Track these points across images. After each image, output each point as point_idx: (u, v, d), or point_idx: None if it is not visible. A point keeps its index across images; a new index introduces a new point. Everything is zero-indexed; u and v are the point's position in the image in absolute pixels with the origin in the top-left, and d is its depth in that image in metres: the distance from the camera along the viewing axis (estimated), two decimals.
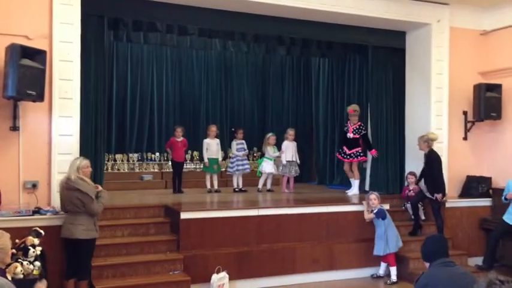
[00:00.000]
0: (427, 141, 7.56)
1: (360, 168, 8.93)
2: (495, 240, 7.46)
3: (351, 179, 8.89)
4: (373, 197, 7.22)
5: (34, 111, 6.04)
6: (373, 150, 8.64)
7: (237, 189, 9.15)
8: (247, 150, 9.48)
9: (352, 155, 8.74)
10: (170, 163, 9.53)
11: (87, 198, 5.44)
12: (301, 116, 12.10)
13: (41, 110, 6.06)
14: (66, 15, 6.19)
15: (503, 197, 7.40)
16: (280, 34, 8.87)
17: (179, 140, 8.95)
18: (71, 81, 6.22)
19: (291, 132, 9.32)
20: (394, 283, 6.98)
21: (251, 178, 9.79)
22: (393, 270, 7.05)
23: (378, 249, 7.09)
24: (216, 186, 9.08)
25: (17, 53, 5.53)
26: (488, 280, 2.39)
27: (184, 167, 10.45)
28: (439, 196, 7.39)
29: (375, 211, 7.15)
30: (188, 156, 10.83)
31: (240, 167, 9.19)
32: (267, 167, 9.13)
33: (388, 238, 7.06)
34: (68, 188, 5.48)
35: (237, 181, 9.23)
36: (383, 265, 7.22)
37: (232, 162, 9.27)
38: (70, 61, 6.22)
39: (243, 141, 9.41)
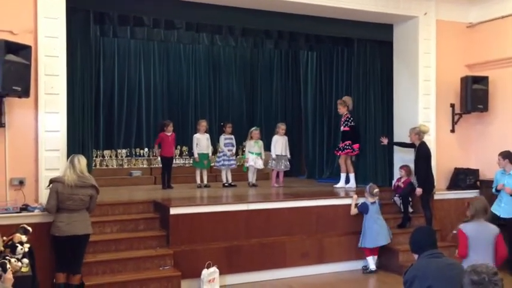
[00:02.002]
0: (418, 133, 7.62)
1: (352, 161, 8.93)
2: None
3: (341, 173, 8.89)
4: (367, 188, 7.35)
5: (20, 107, 5.96)
6: (357, 144, 8.66)
7: (226, 184, 9.13)
8: (234, 147, 9.35)
9: (342, 148, 8.76)
10: (159, 158, 9.41)
11: (97, 194, 5.70)
12: (290, 110, 12.09)
13: (27, 106, 5.98)
14: (51, 9, 6.10)
15: (493, 189, 7.46)
16: (268, 28, 8.86)
17: (169, 134, 8.86)
18: (57, 76, 6.15)
19: (282, 126, 9.31)
20: (371, 272, 7.12)
21: (241, 173, 9.79)
22: (369, 259, 7.18)
23: (362, 242, 7.23)
24: (205, 181, 9.06)
25: (1, 49, 5.44)
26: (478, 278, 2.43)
27: (174, 162, 10.42)
28: (418, 190, 7.46)
29: (358, 205, 7.21)
30: (177, 152, 10.79)
31: (226, 162, 9.15)
32: (249, 160, 9.10)
33: (366, 232, 7.14)
34: (81, 185, 5.51)
35: (226, 176, 9.21)
36: (373, 257, 7.28)
37: (219, 157, 9.24)
38: (56, 56, 6.14)
39: (232, 136, 9.35)
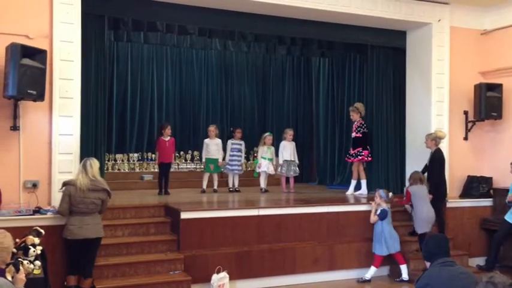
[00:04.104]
0: (434, 139, 7.57)
1: (364, 168, 8.88)
2: (499, 241, 7.41)
3: (352, 180, 8.85)
4: (377, 195, 7.25)
5: (34, 111, 6.04)
6: (366, 151, 8.61)
7: (231, 189, 9.13)
8: (242, 152, 9.32)
9: (354, 154, 8.74)
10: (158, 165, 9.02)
11: (108, 197, 5.76)
12: (302, 116, 12.09)
13: (41, 109, 6.06)
14: (66, 14, 6.18)
15: (507, 200, 7.38)
16: (280, 34, 8.89)
17: (166, 139, 8.69)
18: (72, 80, 6.22)
19: (290, 132, 9.31)
20: (365, 281, 7.01)
21: (251, 178, 9.79)
22: (371, 270, 7.06)
23: (380, 250, 7.06)
24: (215, 186, 9.05)
25: (17, 53, 5.53)
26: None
27: (185, 166, 10.47)
28: (428, 196, 7.34)
29: (377, 212, 7.14)
30: (189, 156, 10.83)
31: (228, 167, 9.17)
32: (262, 165, 9.09)
33: (388, 238, 7.03)
34: (93, 189, 5.57)
35: (233, 181, 9.20)
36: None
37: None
38: (71, 61, 6.22)
39: (241, 142, 9.34)
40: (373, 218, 7.17)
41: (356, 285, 7.00)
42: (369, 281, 7.02)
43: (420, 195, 7.14)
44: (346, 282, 7.07)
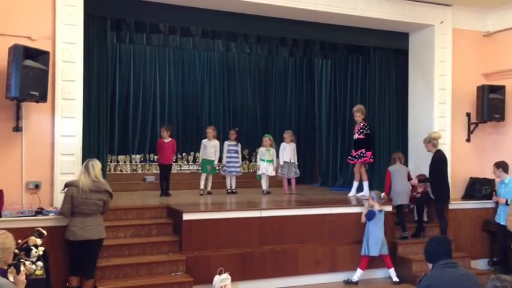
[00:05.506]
0: (430, 141, 7.57)
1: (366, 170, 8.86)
2: (504, 247, 7.31)
3: (354, 182, 8.83)
4: (370, 196, 7.30)
5: (37, 112, 6.05)
6: (369, 152, 8.59)
7: (229, 190, 9.14)
8: (238, 154, 9.32)
9: (356, 156, 8.70)
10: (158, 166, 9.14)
11: (110, 199, 5.78)
12: (304, 117, 12.08)
13: (43, 110, 6.07)
14: (69, 16, 6.20)
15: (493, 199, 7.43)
16: (282, 35, 8.89)
17: (166, 141, 8.70)
18: (74, 82, 6.23)
19: (289, 133, 9.30)
20: (352, 282, 7.01)
21: (252, 180, 9.78)
22: (358, 272, 7.04)
23: (363, 250, 7.09)
24: (209, 188, 9.05)
25: (20, 54, 5.54)
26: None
27: (187, 168, 10.47)
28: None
29: (366, 213, 7.16)
30: (191, 158, 10.83)
31: (226, 168, 9.18)
32: (261, 167, 9.10)
33: (370, 240, 7.03)
34: (95, 190, 5.58)
35: (230, 182, 9.21)
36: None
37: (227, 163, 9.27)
38: (73, 62, 6.23)
39: (236, 143, 9.33)
40: (362, 218, 7.20)
41: (358, 286, 7.00)
42: (355, 283, 7.01)
43: (397, 172, 7.68)
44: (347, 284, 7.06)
